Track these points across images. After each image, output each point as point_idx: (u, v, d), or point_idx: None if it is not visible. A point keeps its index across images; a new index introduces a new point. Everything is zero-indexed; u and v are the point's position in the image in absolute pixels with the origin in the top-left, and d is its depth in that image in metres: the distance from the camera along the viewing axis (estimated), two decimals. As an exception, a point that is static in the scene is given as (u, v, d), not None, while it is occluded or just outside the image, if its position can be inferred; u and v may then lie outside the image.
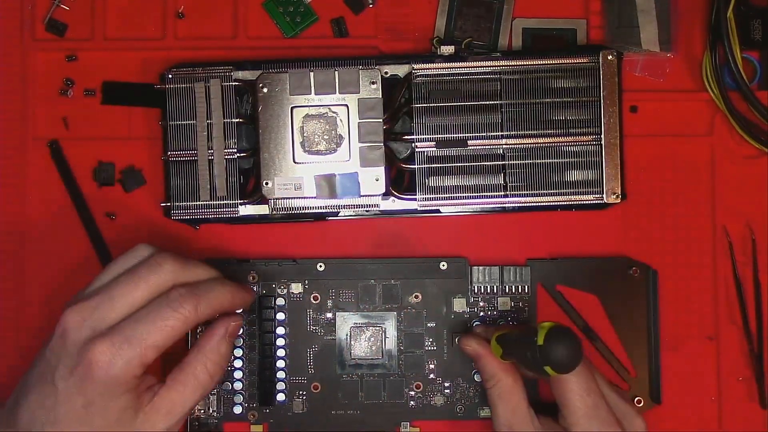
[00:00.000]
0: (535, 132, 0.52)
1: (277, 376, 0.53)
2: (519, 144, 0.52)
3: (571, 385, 0.46)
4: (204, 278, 0.46)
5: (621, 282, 0.54)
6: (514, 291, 0.54)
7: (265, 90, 0.52)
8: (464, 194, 0.52)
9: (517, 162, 0.52)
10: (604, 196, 0.52)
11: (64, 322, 0.44)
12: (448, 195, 0.52)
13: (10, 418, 0.45)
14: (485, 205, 0.53)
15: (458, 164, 0.52)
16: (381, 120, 0.52)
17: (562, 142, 0.52)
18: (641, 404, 0.53)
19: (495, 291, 0.54)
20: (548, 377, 0.45)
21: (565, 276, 0.54)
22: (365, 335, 0.53)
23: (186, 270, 0.45)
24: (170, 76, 0.52)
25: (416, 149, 0.52)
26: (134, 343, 0.42)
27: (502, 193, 0.52)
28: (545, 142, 0.52)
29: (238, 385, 0.53)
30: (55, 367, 0.43)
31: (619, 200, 0.52)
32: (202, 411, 0.53)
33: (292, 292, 0.53)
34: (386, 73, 0.52)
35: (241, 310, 0.51)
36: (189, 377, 0.45)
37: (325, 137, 0.52)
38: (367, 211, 0.53)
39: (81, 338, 0.43)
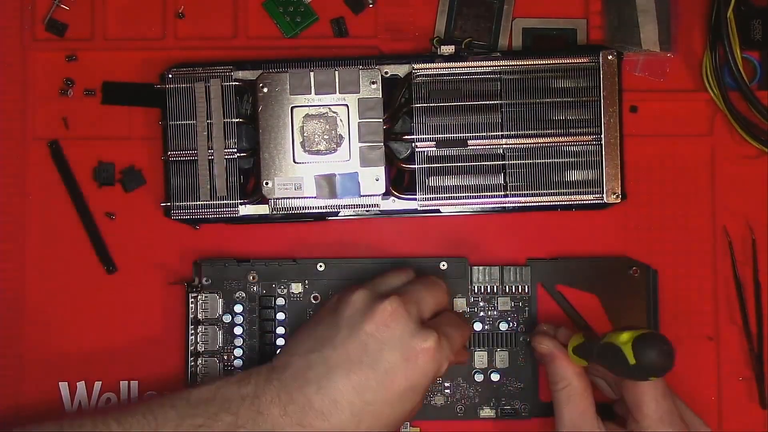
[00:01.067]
0: (535, 132, 0.52)
1: (277, 376, 0.53)
2: (519, 144, 0.52)
3: (647, 388, 0.46)
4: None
5: (621, 282, 0.54)
6: (514, 291, 0.54)
7: (265, 90, 0.52)
8: (464, 194, 0.52)
9: (517, 162, 0.52)
10: (604, 196, 0.52)
11: (337, 294, 0.49)
12: (448, 195, 0.52)
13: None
14: (485, 205, 0.53)
15: (458, 164, 0.52)
16: (381, 120, 0.52)
17: (562, 142, 0.52)
18: (641, 404, 0.53)
19: (495, 291, 0.54)
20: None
21: (565, 276, 0.54)
22: (365, 335, 0.53)
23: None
24: (170, 76, 0.52)
25: (416, 149, 0.52)
26: (452, 342, 0.47)
27: (502, 193, 0.52)
28: (545, 142, 0.52)
29: (238, 385, 0.53)
30: (353, 320, 0.46)
31: (619, 200, 0.52)
32: (202, 411, 0.53)
33: (292, 292, 0.53)
34: (386, 73, 0.52)
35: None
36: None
37: (325, 137, 0.52)
38: (367, 211, 0.53)
39: (363, 298, 0.46)
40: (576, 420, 0.48)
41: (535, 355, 0.51)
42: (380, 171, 0.52)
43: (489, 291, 0.54)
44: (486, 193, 0.52)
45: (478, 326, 0.53)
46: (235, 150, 0.52)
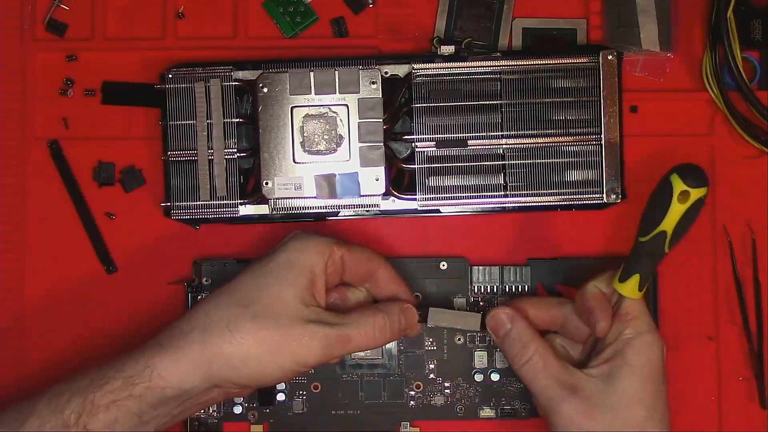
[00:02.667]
0: (535, 132, 0.52)
1: (277, 376, 0.53)
2: (519, 144, 0.52)
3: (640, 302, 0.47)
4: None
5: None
6: (514, 291, 0.54)
7: (265, 90, 0.52)
8: (464, 194, 0.52)
9: (517, 162, 0.52)
10: (604, 196, 0.52)
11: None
12: (448, 195, 0.52)
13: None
14: (485, 205, 0.53)
15: (458, 164, 0.52)
16: (381, 120, 0.52)
17: (562, 142, 0.52)
18: (641, 404, 0.53)
19: (495, 291, 0.54)
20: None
21: (565, 276, 0.54)
22: (365, 335, 0.53)
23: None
24: (170, 76, 0.52)
25: (416, 149, 0.52)
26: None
27: (502, 193, 0.52)
28: (545, 142, 0.52)
29: (238, 385, 0.53)
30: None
31: (619, 200, 0.52)
32: (202, 411, 0.53)
33: (292, 292, 0.53)
34: (386, 73, 0.52)
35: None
36: (368, 328, 0.47)
37: (325, 137, 0.52)
38: (367, 211, 0.53)
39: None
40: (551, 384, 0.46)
41: (494, 338, 0.50)
42: (380, 171, 0.52)
43: (489, 291, 0.54)
44: (486, 193, 0.52)
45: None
46: (235, 150, 0.52)
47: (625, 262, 0.47)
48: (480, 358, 0.53)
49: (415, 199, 0.52)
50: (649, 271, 0.47)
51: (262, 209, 0.52)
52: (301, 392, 0.53)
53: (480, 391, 0.53)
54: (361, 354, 0.53)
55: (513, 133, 0.52)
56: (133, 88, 0.55)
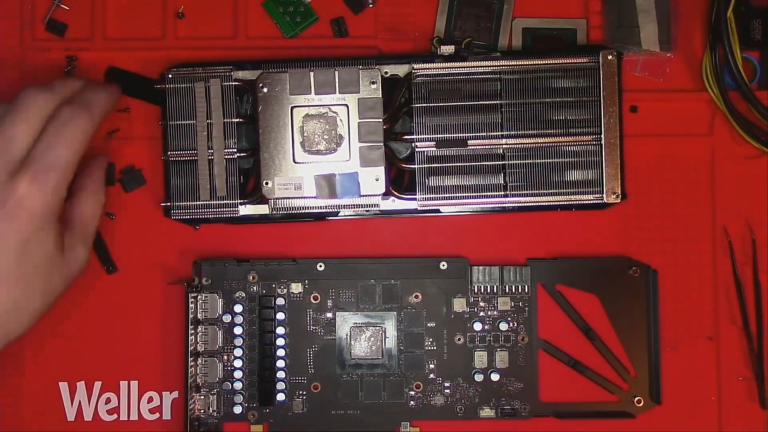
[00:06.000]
0: (535, 132, 0.52)
1: (277, 376, 0.53)
2: (519, 144, 0.52)
3: None
4: (76, 88, 0.48)
5: (621, 282, 0.54)
6: (514, 291, 0.54)
7: (265, 90, 0.52)
8: (464, 194, 0.52)
9: (517, 162, 0.52)
10: (604, 196, 0.52)
11: None
12: (448, 195, 0.52)
13: None
14: (485, 205, 0.53)
15: (458, 164, 0.52)
16: (381, 120, 0.52)
17: (562, 142, 0.52)
18: (641, 404, 0.53)
19: (495, 291, 0.54)
20: None
21: (565, 276, 0.54)
22: (365, 335, 0.53)
23: (59, 91, 0.47)
24: (170, 76, 0.52)
25: (416, 149, 0.52)
26: (54, 167, 0.43)
27: (502, 193, 0.52)
28: (545, 142, 0.52)
29: (238, 385, 0.53)
30: None
31: (619, 200, 0.52)
32: (202, 411, 0.53)
33: (292, 292, 0.53)
34: (386, 73, 0.52)
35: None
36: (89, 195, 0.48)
37: (325, 137, 0.52)
38: (367, 211, 0.53)
39: None
40: None
41: None
42: (380, 171, 0.52)
43: (489, 291, 0.54)
44: (486, 193, 0.52)
45: (478, 326, 0.53)
46: (235, 150, 0.52)
47: None
48: (480, 358, 0.53)
49: (415, 199, 0.52)
50: None
51: (262, 209, 0.52)
52: (301, 392, 0.53)
53: (480, 391, 0.53)
54: (361, 354, 0.53)
55: (513, 133, 0.52)
56: (137, 80, 0.55)
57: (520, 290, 0.54)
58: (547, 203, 0.52)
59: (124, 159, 0.55)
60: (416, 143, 0.52)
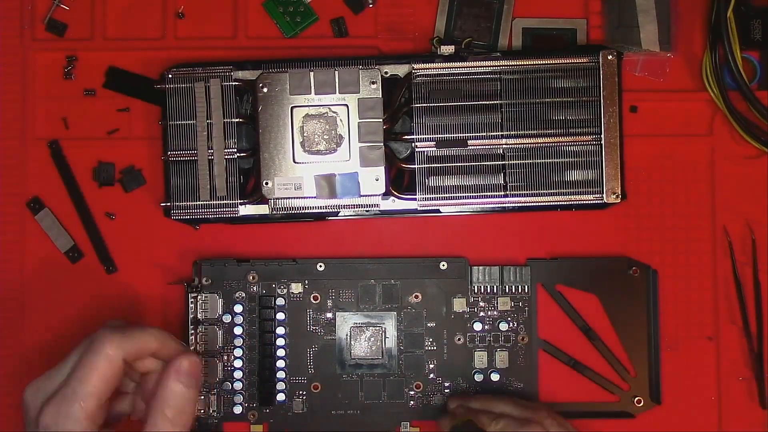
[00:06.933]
0: (535, 132, 0.52)
1: (277, 376, 0.53)
2: (519, 144, 0.52)
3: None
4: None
5: (621, 282, 0.54)
6: (514, 291, 0.54)
7: (265, 90, 0.52)
8: (464, 194, 0.52)
9: (517, 162, 0.52)
10: (604, 196, 0.52)
11: (23, 396, 0.43)
12: (448, 195, 0.52)
13: None
14: (485, 205, 0.53)
15: (458, 164, 0.52)
16: (381, 120, 0.52)
17: (562, 142, 0.52)
18: (641, 404, 0.53)
19: (495, 291, 0.54)
20: None
21: (565, 276, 0.54)
22: (365, 335, 0.53)
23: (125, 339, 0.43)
24: (170, 76, 0.52)
25: (416, 149, 0.52)
26: (70, 398, 0.41)
27: (502, 193, 0.52)
28: (545, 142, 0.52)
29: (238, 385, 0.53)
30: None
31: (619, 200, 0.52)
32: (202, 411, 0.53)
33: (292, 292, 0.53)
34: (386, 73, 0.52)
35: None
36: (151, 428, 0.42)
37: (325, 137, 0.52)
38: (367, 211, 0.53)
39: (37, 407, 0.42)
40: None
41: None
42: (380, 171, 0.52)
43: (489, 291, 0.54)
44: (486, 193, 0.52)
45: (478, 326, 0.53)
46: (235, 150, 0.52)
47: None
48: (480, 358, 0.53)
49: (415, 199, 0.52)
50: None
51: (262, 209, 0.52)
52: (301, 392, 0.53)
53: (480, 391, 0.53)
54: (361, 354, 0.53)
55: (513, 133, 0.52)
56: (137, 80, 0.55)
57: (520, 290, 0.54)
58: (547, 203, 0.52)
59: (124, 159, 0.55)
60: (416, 143, 0.52)
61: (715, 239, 0.55)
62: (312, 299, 0.53)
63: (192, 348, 0.52)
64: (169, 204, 0.52)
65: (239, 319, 0.53)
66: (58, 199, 0.55)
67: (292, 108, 0.52)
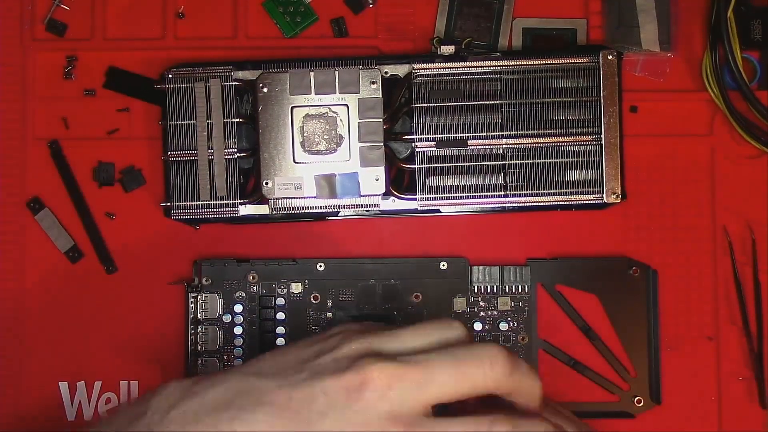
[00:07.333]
0: (535, 132, 0.52)
1: (277, 376, 0.53)
2: (519, 144, 0.52)
3: None
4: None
5: (621, 282, 0.54)
6: (514, 291, 0.54)
7: (265, 90, 0.52)
8: (464, 194, 0.52)
9: (517, 162, 0.52)
10: (604, 196, 0.52)
11: (342, 327, 0.38)
12: (448, 195, 0.52)
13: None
14: (485, 205, 0.53)
15: (458, 164, 0.52)
16: (381, 120, 0.52)
17: (562, 142, 0.52)
18: (641, 404, 0.53)
19: (495, 291, 0.54)
20: None
21: (565, 276, 0.54)
22: (365, 335, 0.53)
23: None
24: (170, 76, 0.52)
25: (416, 149, 0.52)
26: (424, 376, 0.36)
27: (502, 193, 0.52)
28: (545, 142, 0.52)
29: (238, 385, 0.53)
30: (322, 367, 0.37)
31: (619, 200, 0.52)
32: (202, 411, 0.53)
33: (292, 292, 0.53)
34: (386, 73, 0.52)
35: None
36: None
37: (325, 137, 0.52)
38: (367, 211, 0.53)
39: (356, 350, 0.37)
40: None
41: None
42: (380, 171, 0.52)
43: (489, 291, 0.54)
44: (486, 193, 0.52)
45: (478, 326, 0.53)
46: (235, 150, 0.52)
47: None
48: (480, 358, 0.53)
49: (415, 199, 0.52)
50: None
51: (262, 209, 0.52)
52: (301, 392, 0.53)
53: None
54: (361, 354, 0.53)
55: (513, 133, 0.52)
56: (137, 80, 0.55)
57: (520, 290, 0.54)
58: (547, 203, 0.52)
59: (124, 159, 0.55)
60: (416, 143, 0.52)
61: (715, 239, 0.55)
62: (312, 299, 0.53)
63: (192, 348, 0.52)
64: (169, 204, 0.52)
65: (239, 319, 0.53)
66: (58, 199, 0.55)
67: (292, 108, 0.52)
